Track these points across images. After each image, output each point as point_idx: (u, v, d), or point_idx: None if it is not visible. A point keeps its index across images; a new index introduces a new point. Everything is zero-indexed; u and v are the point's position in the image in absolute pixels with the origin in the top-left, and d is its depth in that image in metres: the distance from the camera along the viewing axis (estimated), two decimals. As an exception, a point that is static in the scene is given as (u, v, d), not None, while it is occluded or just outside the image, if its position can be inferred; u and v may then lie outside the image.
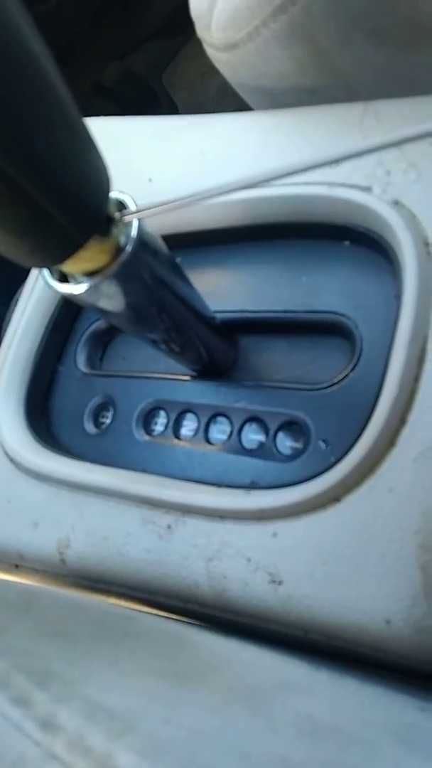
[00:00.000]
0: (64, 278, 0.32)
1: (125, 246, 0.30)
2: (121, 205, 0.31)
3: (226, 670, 0.27)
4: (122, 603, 0.40)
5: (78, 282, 0.31)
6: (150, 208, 0.29)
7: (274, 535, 0.35)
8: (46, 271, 0.31)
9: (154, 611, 0.39)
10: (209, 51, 0.54)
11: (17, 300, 0.62)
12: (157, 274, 0.33)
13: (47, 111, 0.23)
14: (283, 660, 0.32)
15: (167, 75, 1.27)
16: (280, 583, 0.34)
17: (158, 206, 0.29)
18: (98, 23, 1.06)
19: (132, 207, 0.31)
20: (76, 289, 0.30)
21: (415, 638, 0.31)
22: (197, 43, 0.54)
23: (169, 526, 0.38)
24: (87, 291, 0.30)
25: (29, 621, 0.27)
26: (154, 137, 0.51)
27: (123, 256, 0.30)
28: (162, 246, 0.33)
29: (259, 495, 0.36)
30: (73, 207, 0.26)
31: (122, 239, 0.30)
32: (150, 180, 0.49)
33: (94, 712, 0.19)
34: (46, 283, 0.31)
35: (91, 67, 1.14)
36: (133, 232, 0.30)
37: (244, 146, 0.45)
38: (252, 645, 0.32)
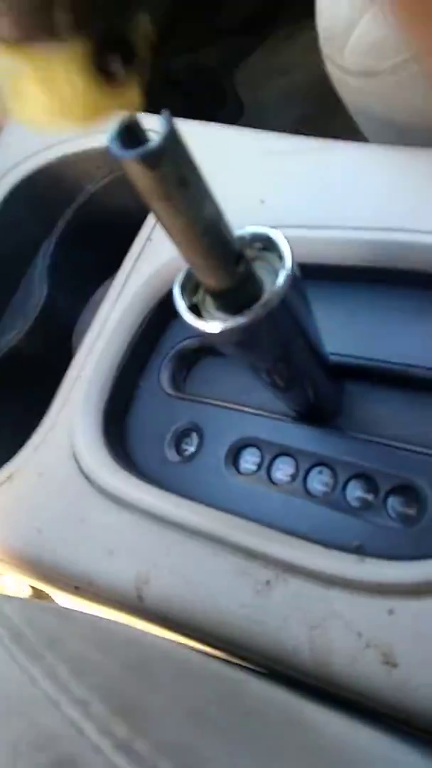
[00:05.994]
0: (194, 308, 0.29)
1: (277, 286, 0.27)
2: (269, 241, 0.29)
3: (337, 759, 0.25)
4: (208, 650, 0.37)
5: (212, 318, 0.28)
6: None
7: (391, 612, 0.32)
8: (182, 304, 0.29)
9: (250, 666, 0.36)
10: (333, 71, 0.52)
11: (94, 302, 0.60)
12: (296, 313, 0.30)
13: None
14: (399, 748, 0.30)
15: (236, 73, 1.24)
16: (394, 665, 0.32)
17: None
18: (175, 15, 1.03)
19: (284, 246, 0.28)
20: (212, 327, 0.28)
21: None
22: (269, 45, 0.52)
23: (268, 582, 0.36)
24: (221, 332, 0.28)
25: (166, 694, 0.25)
26: (269, 155, 0.49)
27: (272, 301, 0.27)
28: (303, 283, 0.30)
29: (375, 565, 0.34)
30: None
31: (267, 281, 0.28)
32: (262, 202, 0.47)
33: None
34: (182, 315, 0.28)
35: (161, 57, 1.11)
36: (280, 280, 0.27)
37: (374, 183, 0.43)
38: (367, 727, 0.30)
